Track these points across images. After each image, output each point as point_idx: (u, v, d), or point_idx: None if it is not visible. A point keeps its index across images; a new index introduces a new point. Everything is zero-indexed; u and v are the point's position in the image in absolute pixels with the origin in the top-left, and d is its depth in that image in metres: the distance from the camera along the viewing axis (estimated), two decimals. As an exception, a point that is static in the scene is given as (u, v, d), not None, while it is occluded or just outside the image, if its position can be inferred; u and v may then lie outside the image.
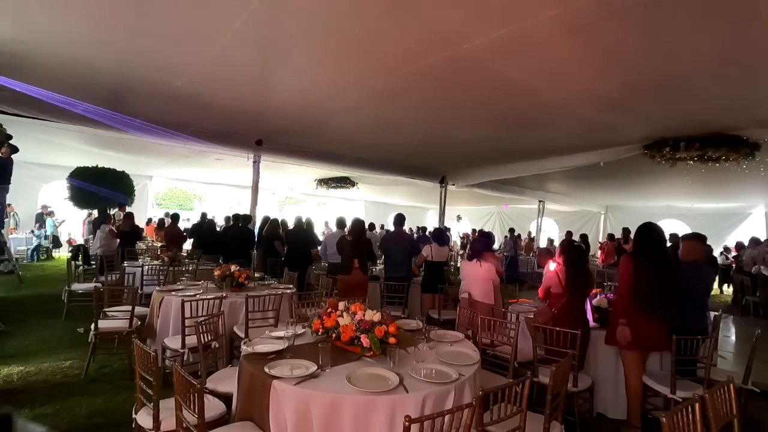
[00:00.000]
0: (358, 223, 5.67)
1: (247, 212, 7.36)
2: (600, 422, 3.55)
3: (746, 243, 9.64)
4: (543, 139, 5.98)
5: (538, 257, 6.26)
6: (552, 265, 3.82)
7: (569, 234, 12.61)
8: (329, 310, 2.78)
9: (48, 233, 11.84)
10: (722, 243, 12.81)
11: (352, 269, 5.42)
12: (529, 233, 15.66)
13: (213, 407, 2.41)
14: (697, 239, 3.72)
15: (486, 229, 16.29)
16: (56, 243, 12.13)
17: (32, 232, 11.62)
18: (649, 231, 3.39)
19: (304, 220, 7.65)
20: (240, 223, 7.13)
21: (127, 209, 9.84)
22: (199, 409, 1.92)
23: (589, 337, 3.53)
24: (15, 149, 6.36)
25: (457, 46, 3.08)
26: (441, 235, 6.11)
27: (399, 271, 5.77)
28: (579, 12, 2.53)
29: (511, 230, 13.16)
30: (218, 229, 9.41)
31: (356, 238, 5.55)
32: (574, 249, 3.79)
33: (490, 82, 3.83)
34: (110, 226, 8.09)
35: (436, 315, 5.27)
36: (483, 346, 3.43)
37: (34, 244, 11.53)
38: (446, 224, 10.94)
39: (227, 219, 10.73)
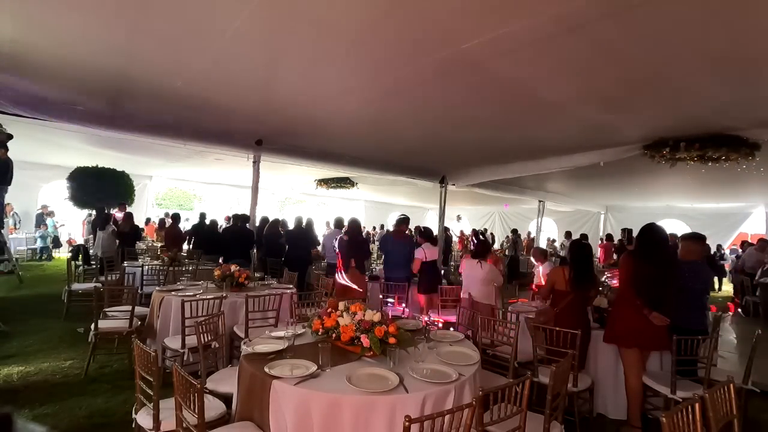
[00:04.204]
0: (354, 224, 5.67)
1: (247, 212, 7.36)
2: (600, 422, 3.55)
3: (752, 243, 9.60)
4: (543, 139, 5.98)
5: (533, 256, 6.27)
6: (545, 266, 3.81)
7: (568, 234, 12.65)
8: (329, 310, 2.78)
9: (49, 232, 11.84)
10: (724, 243, 12.83)
11: (349, 269, 5.43)
12: (529, 233, 15.67)
13: (213, 407, 2.41)
14: (695, 239, 3.72)
15: (486, 229, 16.37)
16: (56, 243, 12.13)
17: (38, 232, 11.61)
18: (652, 232, 3.40)
19: (304, 220, 7.66)
20: (239, 222, 7.14)
21: (127, 209, 9.84)
22: (199, 409, 1.92)
23: (589, 337, 3.54)
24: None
25: (457, 45, 3.08)
26: (431, 234, 6.12)
27: (399, 272, 5.78)
28: (579, 11, 2.53)
29: (514, 230, 13.20)
30: (219, 229, 9.42)
31: (352, 238, 5.56)
32: (581, 248, 3.79)
33: (489, 81, 3.82)
34: (113, 227, 8.11)
35: (436, 315, 5.27)
36: (483, 346, 3.43)
37: (40, 244, 11.52)
38: (446, 224, 10.92)
39: (228, 219, 10.75)
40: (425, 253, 5.68)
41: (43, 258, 11.54)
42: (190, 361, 3.59)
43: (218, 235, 8.50)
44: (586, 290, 3.62)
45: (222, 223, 10.82)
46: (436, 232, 7.40)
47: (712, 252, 11.25)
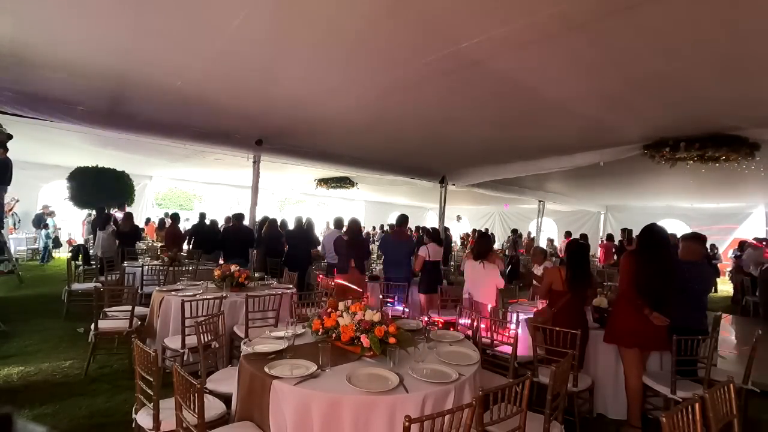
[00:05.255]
0: (354, 224, 5.67)
1: (247, 212, 7.38)
2: (600, 422, 3.55)
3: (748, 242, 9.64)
4: (543, 139, 5.98)
5: (532, 256, 6.27)
6: (546, 265, 3.79)
7: (568, 234, 12.64)
8: (329, 310, 2.78)
9: (50, 232, 11.80)
10: (724, 243, 12.81)
11: (349, 269, 5.43)
12: (529, 233, 15.67)
13: (213, 407, 2.41)
14: (696, 239, 3.71)
15: (486, 229, 16.38)
16: (56, 243, 12.12)
17: (43, 232, 11.55)
18: (653, 232, 3.39)
19: (304, 220, 7.66)
20: (237, 221, 7.19)
21: (127, 209, 9.85)
22: (199, 409, 1.92)
23: (587, 336, 3.53)
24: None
25: (457, 44, 3.08)
26: (438, 235, 6.12)
27: (399, 272, 5.77)
28: (579, 9, 2.53)
29: (514, 230, 13.19)
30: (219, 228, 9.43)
31: (352, 238, 5.56)
32: (577, 247, 3.79)
33: (490, 80, 3.82)
34: (113, 227, 8.11)
35: (436, 315, 5.26)
36: (483, 346, 3.43)
37: (43, 244, 11.48)
38: (446, 224, 10.93)
39: (228, 219, 10.74)
40: (429, 251, 5.68)
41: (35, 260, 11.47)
42: (190, 361, 3.59)
43: (218, 235, 8.51)
44: (582, 290, 3.61)
45: (222, 224, 10.83)
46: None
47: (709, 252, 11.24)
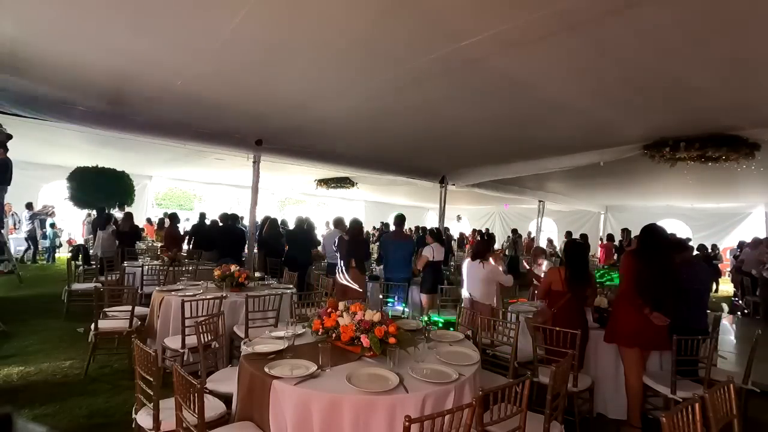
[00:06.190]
0: (355, 224, 5.68)
1: (248, 212, 7.40)
2: (600, 422, 3.55)
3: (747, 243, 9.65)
4: (543, 139, 5.97)
5: (533, 256, 6.28)
6: (545, 265, 3.81)
7: (569, 234, 12.65)
8: (329, 310, 2.78)
9: (56, 231, 11.80)
10: (723, 243, 12.82)
11: (350, 269, 5.43)
12: (529, 233, 15.67)
13: (213, 407, 2.41)
14: (679, 249, 3.69)
15: (486, 229, 16.38)
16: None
17: (49, 231, 11.53)
18: (653, 233, 3.40)
19: (304, 220, 7.67)
20: (229, 222, 7.20)
21: (127, 209, 9.84)
22: (199, 409, 1.93)
23: (588, 336, 3.54)
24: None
25: (457, 42, 3.08)
26: (441, 235, 6.13)
27: (399, 272, 5.77)
28: (579, 8, 2.53)
29: (514, 230, 13.19)
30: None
31: (353, 238, 5.56)
32: (575, 246, 3.78)
33: (490, 79, 3.82)
34: (113, 227, 8.11)
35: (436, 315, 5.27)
36: (483, 346, 3.43)
37: (48, 243, 11.44)
38: (446, 224, 10.93)
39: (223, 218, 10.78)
40: (434, 252, 5.69)
41: (42, 260, 11.46)
42: (190, 361, 3.59)
43: (213, 234, 8.58)
44: (582, 289, 3.62)
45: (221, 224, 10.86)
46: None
47: (709, 252, 11.24)
